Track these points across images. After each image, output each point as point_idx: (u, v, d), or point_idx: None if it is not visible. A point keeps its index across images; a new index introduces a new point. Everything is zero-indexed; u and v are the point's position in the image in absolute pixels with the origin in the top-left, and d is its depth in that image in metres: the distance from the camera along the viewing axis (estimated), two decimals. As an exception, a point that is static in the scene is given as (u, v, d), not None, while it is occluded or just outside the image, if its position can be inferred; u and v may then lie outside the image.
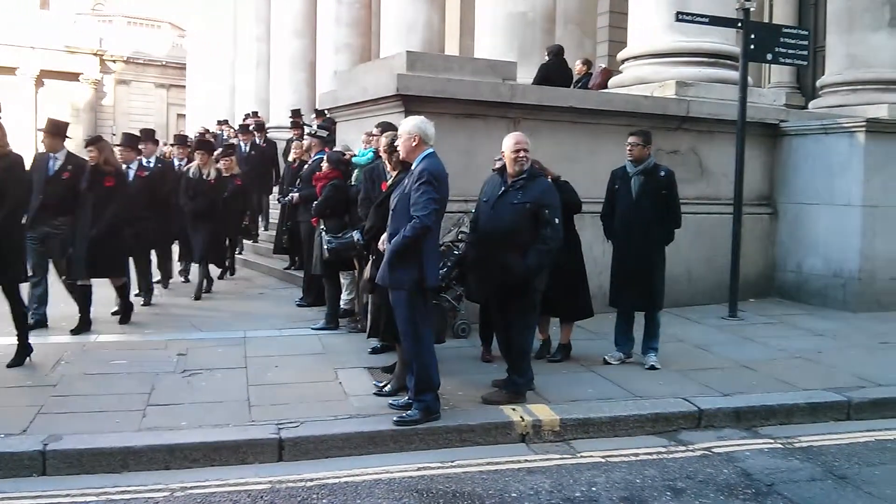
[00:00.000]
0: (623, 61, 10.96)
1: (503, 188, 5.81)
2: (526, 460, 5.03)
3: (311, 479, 4.65)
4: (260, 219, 13.72)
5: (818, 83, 11.71)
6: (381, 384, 5.96)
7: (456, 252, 7.06)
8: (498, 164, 6.26)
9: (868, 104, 10.23)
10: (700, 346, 7.60)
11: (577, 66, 12.41)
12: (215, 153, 10.76)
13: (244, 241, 12.75)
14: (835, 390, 6.16)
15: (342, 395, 5.87)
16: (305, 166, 9.65)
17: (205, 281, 9.99)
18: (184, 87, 35.83)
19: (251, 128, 14.84)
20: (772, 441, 5.44)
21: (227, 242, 11.02)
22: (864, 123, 9.30)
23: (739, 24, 9.13)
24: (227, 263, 11.33)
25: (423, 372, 5.31)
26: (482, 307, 6.65)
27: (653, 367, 6.67)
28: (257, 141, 14.28)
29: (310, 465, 4.87)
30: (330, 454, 5.01)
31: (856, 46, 10.59)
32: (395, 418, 5.27)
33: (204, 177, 9.90)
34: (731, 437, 5.50)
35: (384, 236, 5.51)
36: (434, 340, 5.67)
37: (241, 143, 14.16)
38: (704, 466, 4.97)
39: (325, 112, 11.82)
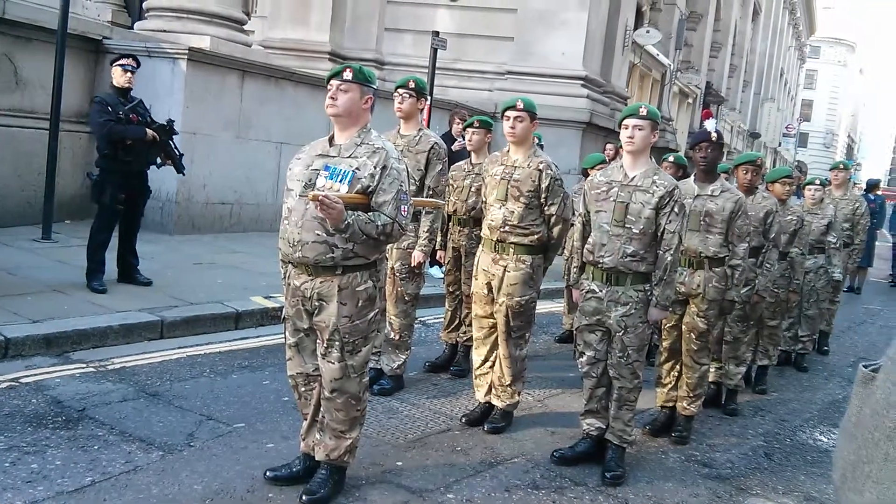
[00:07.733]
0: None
1: None
2: None
3: None
4: None
5: (145, 5, 11.63)
6: None
7: None
8: None
9: (192, 33, 10.53)
10: (9, 270, 6.98)
11: None
12: None
13: None
14: (149, 311, 6.29)
15: None
16: None
17: None
18: None
19: None
20: (84, 365, 5.31)
21: None
22: (186, 51, 9.53)
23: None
24: None
25: None
26: None
27: (-51, 297, 5.91)
28: None
29: None
30: None
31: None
32: None
33: None
34: (42, 366, 5.20)
35: None
36: None
37: None
38: (11, 399, 4.60)
39: None
